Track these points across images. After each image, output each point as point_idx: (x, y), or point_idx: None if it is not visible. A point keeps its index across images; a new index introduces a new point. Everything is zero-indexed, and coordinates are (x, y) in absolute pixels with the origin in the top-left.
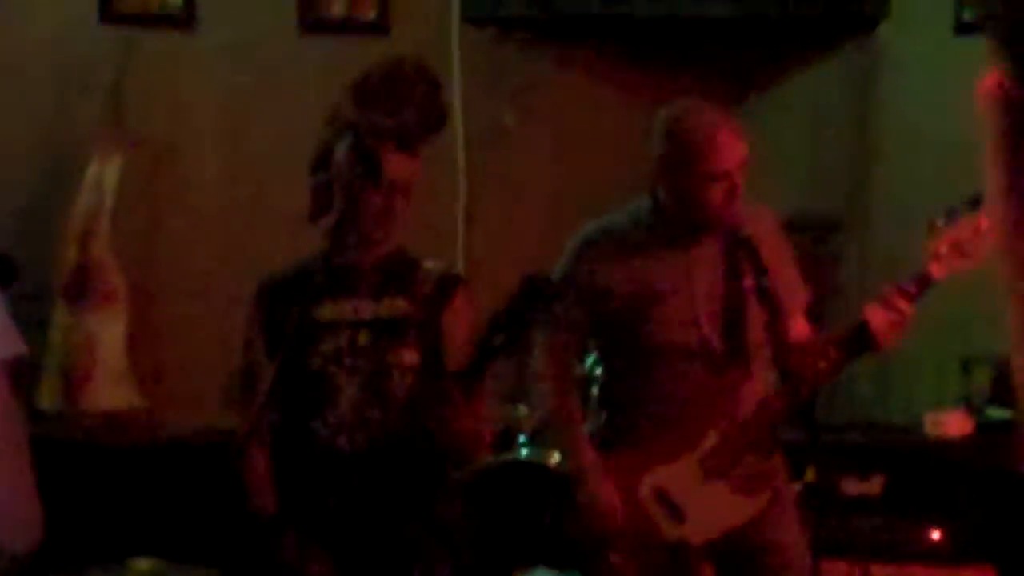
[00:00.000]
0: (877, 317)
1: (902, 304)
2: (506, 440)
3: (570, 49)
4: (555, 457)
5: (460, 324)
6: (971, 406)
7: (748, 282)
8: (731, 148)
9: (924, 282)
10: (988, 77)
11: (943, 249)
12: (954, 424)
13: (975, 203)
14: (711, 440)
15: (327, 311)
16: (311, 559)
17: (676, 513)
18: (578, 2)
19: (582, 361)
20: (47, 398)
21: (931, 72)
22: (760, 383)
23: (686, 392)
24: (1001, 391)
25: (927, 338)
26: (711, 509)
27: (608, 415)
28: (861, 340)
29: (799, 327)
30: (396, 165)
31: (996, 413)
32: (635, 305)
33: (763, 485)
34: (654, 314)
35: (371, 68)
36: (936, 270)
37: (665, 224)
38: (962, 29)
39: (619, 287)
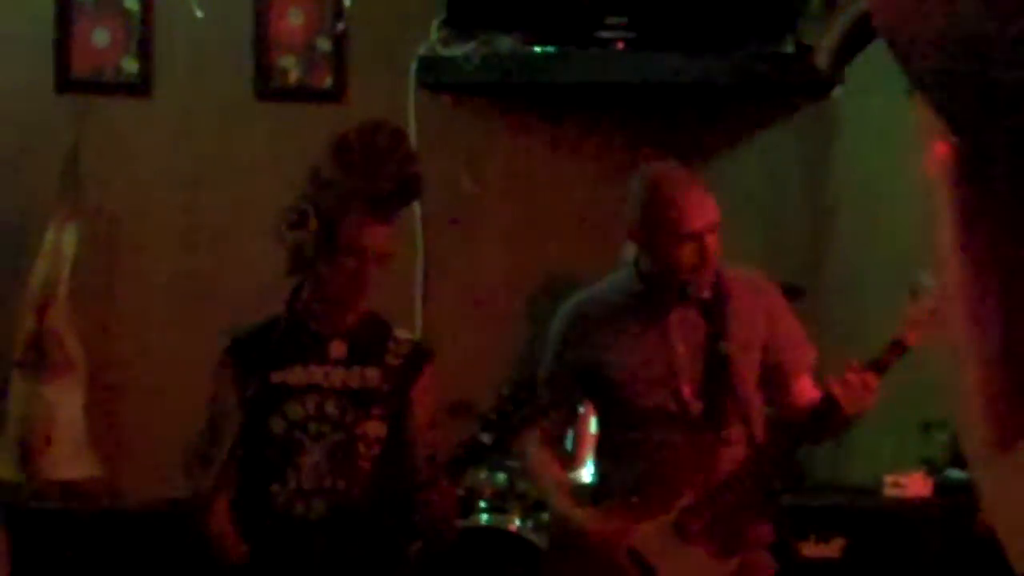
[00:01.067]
0: (842, 391)
1: (868, 377)
2: (467, 505)
3: (526, 115)
4: (516, 522)
5: (427, 398)
6: (931, 468)
7: (728, 346)
8: (701, 209)
9: (899, 349)
10: (939, 143)
11: (921, 316)
12: (914, 486)
13: None
14: (686, 502)
15: (296, 375)
16: None
17: (649, 573)
18: (533, 69)
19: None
20: (5, 468)
21: (887, 135)
22: (742, 447)
23: (665, 454)
24: (960, 453)
25: (887, 400)
26: (683, 571)
27: (595, 474)
28: (827, 410)
29: (803, 388)
30: (368, 234)
31: (955, 475)
32: (620, 372)
33: (737, 549)
34: (636, 379)
35: (349, 131)
36: (912, 337)
37: (646, 290)
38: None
39: (605, 356)
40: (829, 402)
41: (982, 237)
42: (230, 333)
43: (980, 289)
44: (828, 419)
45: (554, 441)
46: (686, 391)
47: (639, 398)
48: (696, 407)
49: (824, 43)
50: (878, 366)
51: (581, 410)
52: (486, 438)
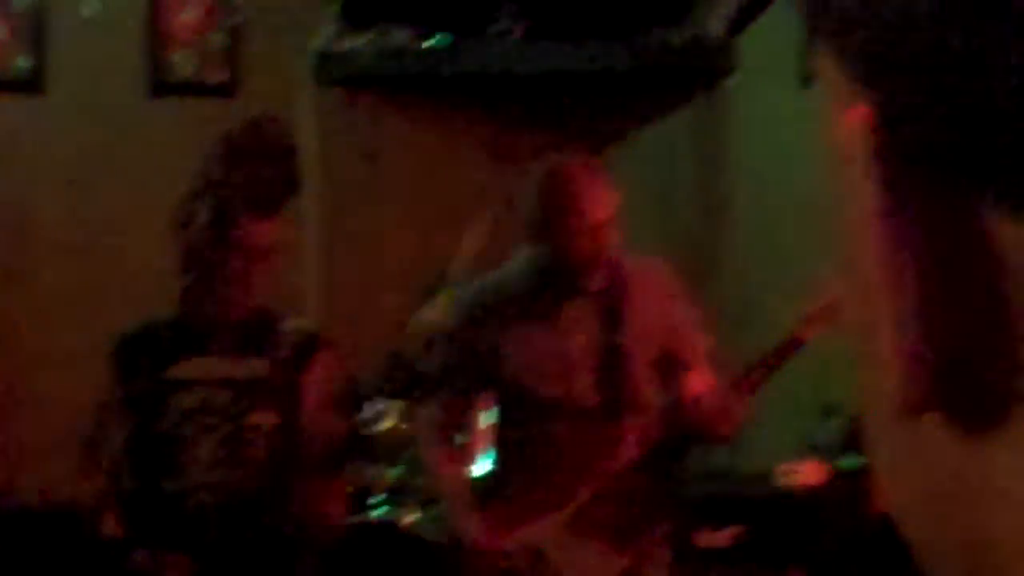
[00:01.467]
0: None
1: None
2: (360, 501)
3: (421, 107)
4: (409, 517)
5: (319, 387)
6: (825, 455)
7: (624, 338)
8: (603, 200)
9: (794, 346)
10: (854, 109)
11: (815, 312)
12: (809, 473)
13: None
14: (583, 496)
15: (183, 368)
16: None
17: (550, 568)
18: (428, 61)
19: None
20: None
21: (779, 125)
22: (637, 439)
23: (560, 448)
24: (854, 440)
25: (781, 388)
26: (584, 564)
27: (498, 468)
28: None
29: (697, 380)
30: (254, 231)
31: (850, 462)
32: (516, 364)
33: (634, 541)
34: (533, 372)
35: (235, 128)
36: (806, 333)
37: (542, 282)
38: (809, 81)
39: (502, 348)
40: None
41: (900, 203)
42: (115, 337)
43: (897, 257)
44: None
45: (451, 430)
46: (582, 384)
47: (536, 391)
48: (592, 400)
49: (720, 10)
50: (766, 368)
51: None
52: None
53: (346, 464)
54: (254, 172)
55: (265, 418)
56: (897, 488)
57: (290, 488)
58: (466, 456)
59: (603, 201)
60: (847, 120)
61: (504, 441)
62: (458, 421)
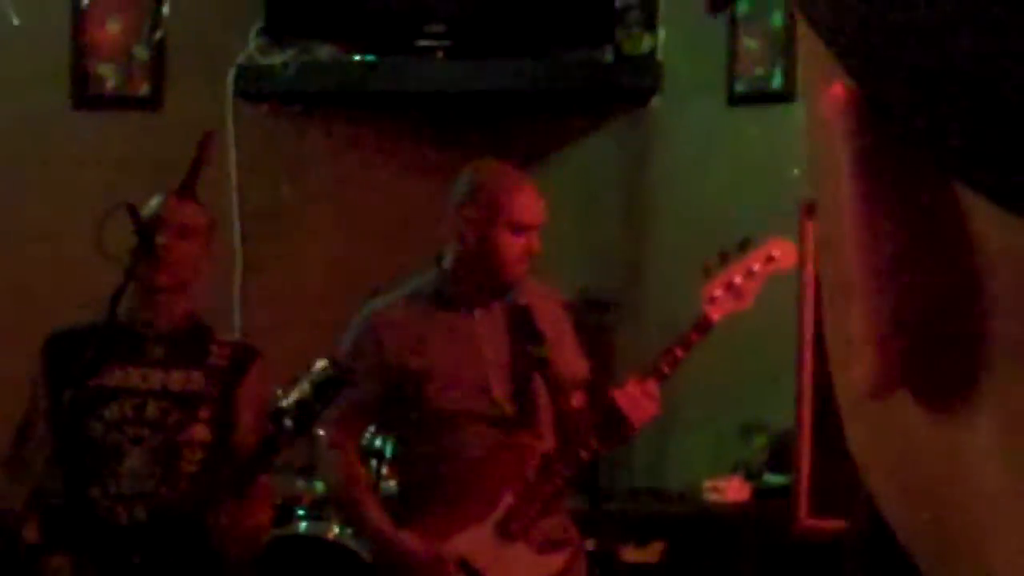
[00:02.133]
0: (624, 401)
1: (649, 386)
2: (285, 514)
3: (345, 124)
4: (334, 530)
5: (254, 400)
6: (748, 472)
7: (537, 346)
8: (534, 205)
9: (703, 326)
10: (834, 86)
11: (718, 292)
12: (732, 490)
13: (744, 245)
14: (507, 502)
15: (114, 377)
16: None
17: None
18: (351, 78)
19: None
20: None
21: (705, 144)
22: (548, 444)
23: (479, 457)
24: (777, 458)
25: (705, 405)
26: (512, 572)
27: (401, 488)
28: (612, 422)
29: (575, 399)
30: (177, 209)
31: (773, 479)
32: (425, 374)
33: (562, 544)
34: (444, 382)
35: None
36: (712, 311)
37: (451, 291)
38: (735, 100)
39: (409, 359)
40: (612, 411)
41: (879, 181)
42: (47, 335)
43: (875, 236)
44: (614, 427)
45: (354, 436)
46: (497, 392)
47: (449, 402)
48: (509, 408)
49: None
50: (659, 373)
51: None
52: (287, 422)
53: (264, 467)
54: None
55: (200, 432)
56: (871, 469)
57: (222, 502)
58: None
59: (535, 205)
60: (827, 93)
61: (412, 459)
62: (357, 436)
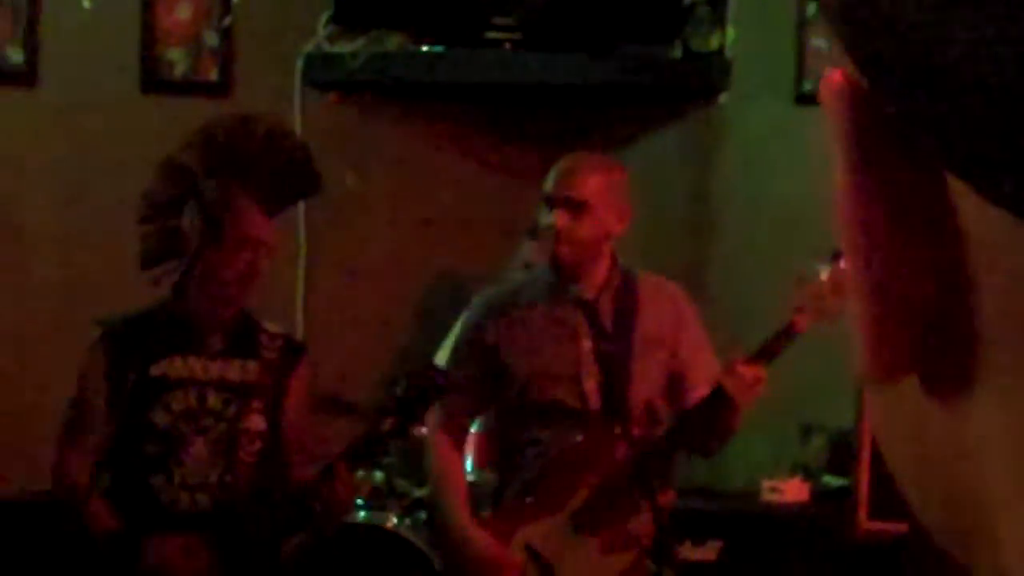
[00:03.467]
0: (730, 382)
1: (757, 369)
2: None
3: (412, 114)
4: (392, 520)
5: (301, 392)
6: (808, 473)
7: (633, 342)
8: (564, 178)
9: (788, 334)
10: (834, 72)
11: (807, 302)
12: (791, 491)
13: (837, 257)
14: (582, 497)
15: (176, 368)
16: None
17: (547, 570)
18: (420, 68)
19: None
20: None
21: (771, 143)
22: (638, 443)
23: (560, 448)
24: (837, 459)
25: (765, 405)
26: (580, 566)
27: (496, 466)
28: (717, 403)
29: (693, 397)
30: (249, 221)
31: (832, 481)
32: (523, 364)
33: (629, 545)
34: (539, 372)
35: (215, 125)
36: (800, 322)
37: (559, 286)
38: (803, 100)
39: (511, 349)
40: (718, 394)
41: (870, 165)
42: (101, 323)
43: (866, 218)
44: (718, 411)
45: (458, 431)
46: (588, 386)
47: (540, 391)
48: (596, 402)
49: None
50: (766, 354)
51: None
52: (386, 425)
53: (361, 464)
54: (250, 167)
55: (256, 422)
56: (889, 452)
57: (275, 491)
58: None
59: (569, 181)
60: (828, 79)
61: (505, 445)
62: (466, 420)
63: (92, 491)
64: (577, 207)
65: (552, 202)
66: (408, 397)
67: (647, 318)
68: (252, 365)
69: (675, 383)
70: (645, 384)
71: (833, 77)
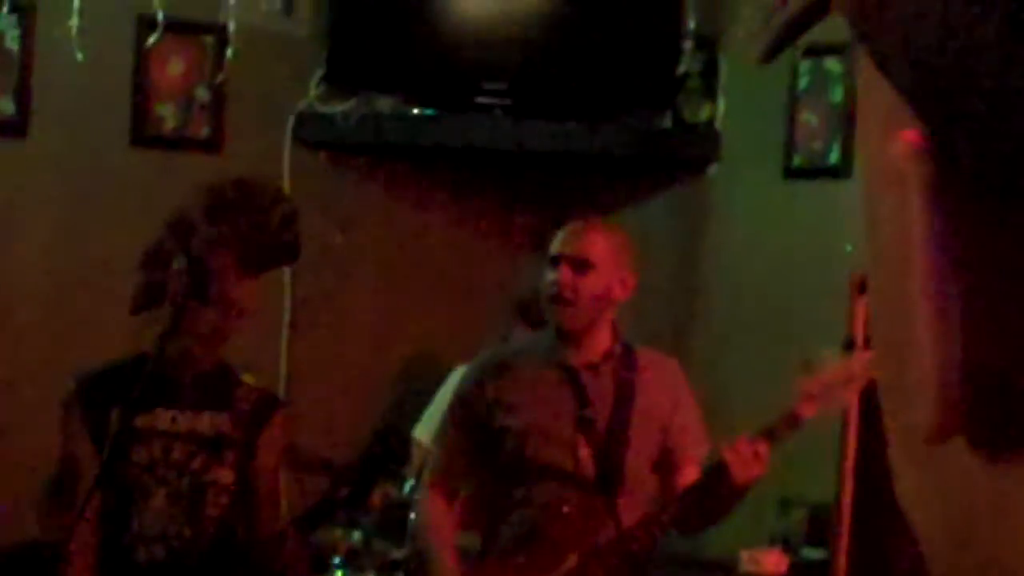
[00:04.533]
0: (733, 458)
1: (760, 447)
2: (321, 563)
3: (401, 176)
4: None
5: (274, 446)
6: (787, 545)
7: (632, 414)
8: (568, 237)
9: (794, 422)
10: (910, 132)
11: (815, 389)
12: (770, 562)
13: (849, 346)
14: (571, 563)
15: (143, 419)
16: None
17: None
18: (410, 131)
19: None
20: None
21: (759, 215)
22: (632, 513)
23: (551, 512)
24: (816, 532)
25: None
26: None
27: (482, 530)
28: (717, 477)
29: (689, 478)
30: (234, 288)
31: (811, 553)
32: (520, 427)
33: None
34: (535, 435)
35: (225, 183)
36: (806, 410)
37: (558, 352)
38: (791, 174)
39: (507, 410)
40: (719, 468)
41: (951, 229)
42: (75, 376)
43: (943, 280)
44: (717, 487)
45: (450, 491)
46: (583, 452)
47: (537, 453)
48: (590, 469)
49: (761, 34)
50: (771, 435)
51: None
52: (342, 492)
53: (313, 528)
54: (240, 229)
55: (225, 476)
56: (920, 516)
57: (241, 545)
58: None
59: (579, 241)
60: (895, 142)
61: (495, 504)
62: (458, 484)
63: (76, 555)
64: (581, 265)
65: (557, 260)
66: (367, 464)
67: (646, 392)
68: (223, 418)
69: (665, 458)
70: (639, 456)
71: (909, 136)
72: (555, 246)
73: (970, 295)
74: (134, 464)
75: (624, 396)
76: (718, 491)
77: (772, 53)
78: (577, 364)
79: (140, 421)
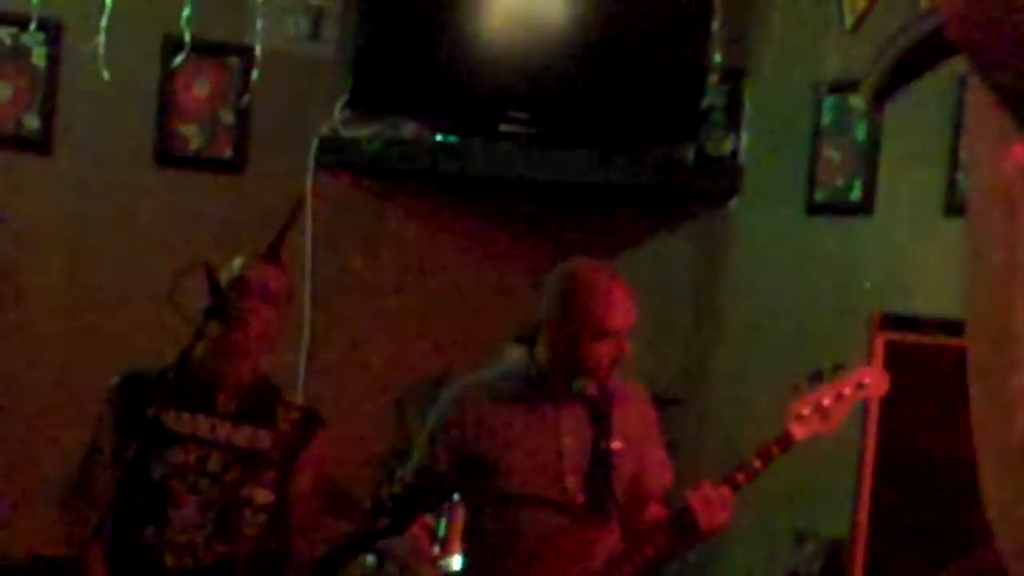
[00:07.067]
0: (700, 506)
1: (724, 492)
2: None
3: (423, 201)
4: None
5: (314, 466)
6: None
7: (616, 443)
8: (621, 308)
9: (785, 443)
10: (1018, 149)
11: (805, 411)
12: None
13: (837, 368)
14: None
15: (181, 422)
16: None
17: None
18: (433, 156)
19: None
20: None
21: (780, 251)
22: (617, 540)
23: (543, 542)
24: (830, 566)
25: (758, 510)
26: None
27: (467, 557)
28: (684, 524)
29: (654, 509)
30: (263, 273)
31: None
32: (502, 456)
33: None
34: (519, 465)
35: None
36: (798, 431)
37: (539, 381)
38: (814, 210)
39: (488, 440)
40: (685, 514)
41: None
42: (119, 374)
43: None
44: (683, 534)
45: (428, 528)
46: (571, 481)
47: (522, 484)
48: (579, 497)
49: (871, 73)
50: (733, 481)
51: (455, 497)
52: (381, 523)
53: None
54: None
55: (263, 495)
56: (1011, 526)
57: (277, 567)
58: (442, 551)
59: (627, 308)
60: (1005, 161)
61: (480, 535)
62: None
63: (93, 542)
64: (621, 332)
65: (604, 334)
66: (406, 499)
67: (625, 417)
68: (264, 434)
69: (633, 485)
70: (623, 481)
71: (1017, 152)
72: (610, 322)
73: None
74: (167, 466)
75: (603, 422)
76: (686, 531)
77: (883, 95)
78: (554, 394)
79: (179, 424)
